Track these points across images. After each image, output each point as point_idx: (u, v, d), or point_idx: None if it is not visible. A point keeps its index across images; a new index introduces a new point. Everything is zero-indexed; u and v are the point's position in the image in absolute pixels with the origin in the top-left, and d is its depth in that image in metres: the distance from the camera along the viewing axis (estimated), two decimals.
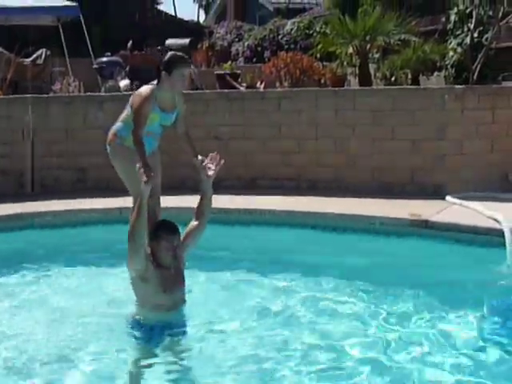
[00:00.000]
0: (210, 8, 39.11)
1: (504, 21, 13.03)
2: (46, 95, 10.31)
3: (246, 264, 6.04)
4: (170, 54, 5.06)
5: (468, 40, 13.52)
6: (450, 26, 15.81)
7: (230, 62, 14.74)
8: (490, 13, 14.09)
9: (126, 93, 10.53)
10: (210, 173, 4.85)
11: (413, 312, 4.95)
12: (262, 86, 11.89)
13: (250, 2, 32.22)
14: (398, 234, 6.85)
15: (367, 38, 11.55)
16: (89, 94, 10.32)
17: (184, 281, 4.83)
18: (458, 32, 15.27)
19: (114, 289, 5.40)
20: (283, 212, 7.50)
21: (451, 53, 14.86)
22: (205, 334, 4.58)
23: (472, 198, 7.60)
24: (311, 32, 20.06)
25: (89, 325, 4.73)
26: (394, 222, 7.00)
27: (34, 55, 14.19)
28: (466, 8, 15.00)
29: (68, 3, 16.97)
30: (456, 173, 8.32)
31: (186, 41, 16.87)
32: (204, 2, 45.26)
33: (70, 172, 9.05)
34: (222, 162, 4.86)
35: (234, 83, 11.98)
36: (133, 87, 12.08)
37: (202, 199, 4.94)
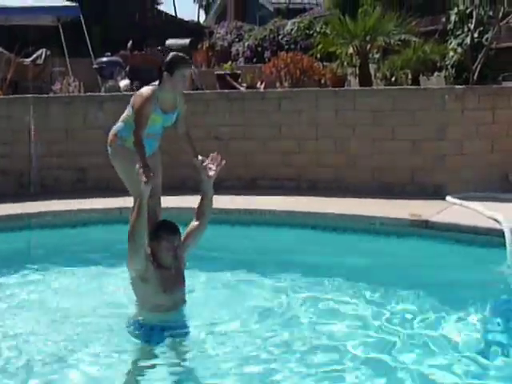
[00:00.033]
0: (211, 8, 39.13)
1: (504, 21, 13.04)
2: (46, 95, 10.31)
3: (247, 264, 6.03)
4: (171, 54, 5.06)
5: (468, 40, 13.52)
6: (450, 26, 15.81)
7: (230, 63, 14.75)
8: (491, 13, 14.08)
9: (126, 93, 10.54)
10: (211, 173, 4.85)
11: (413, 313, 4.94)
12: (263, 86, 11.89)
13: (251, 2, 32.23)
14: (398, 235, 6.85)
15: (367, 38, 11.55)
16: (89, 94, 10.31)
17: (184, 281, 4.82)
18: (459, 32, 15.27)
19: (114, 289, 5.39)
20: (283, 212, 7.50)
21: (451, 53, 14.86)
22: (205, 334, 4.57)
23: (472, 198, 7.60)
24: (311, 32, 20.07)
25: (89, 325, 4.73)
26: (394, 223, 7.00)
27: (34, 55, 14.19)
28: (467, 8, 15.00)
29: (68, 3, 16.98)
30: (456, 173, 8.32)
31: (187, 41, 16.88)
32: (204, 3, 45.29)
33: (70, 172, 9.04)
34: (223, 162, 4.86)
35: (235, 83, 11.98)
36: (133, 87, 12.09)
37: (202, 199, 4.94)
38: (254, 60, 21.09)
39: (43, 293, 5.50)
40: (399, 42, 12.31)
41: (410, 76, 12.64)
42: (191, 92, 9.44)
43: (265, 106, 9.04)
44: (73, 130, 9.11)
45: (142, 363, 4.25)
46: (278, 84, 11.25)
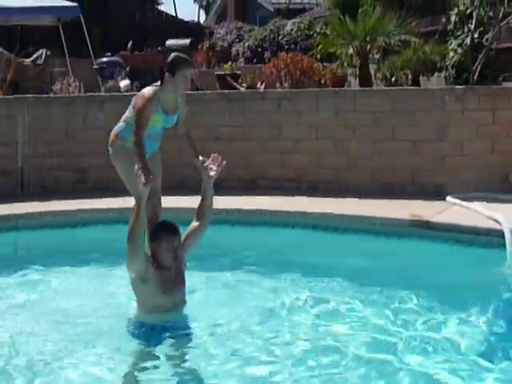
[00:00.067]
0: (211, 8, 39.15)
1: (504, 21, 13.04)
2: (46, 95, 10.31)
3: (247, 265, 6.03)
4: (173, 55, 5.05)
5: (468, 41, 13.53)
6: (450, 26, 15.82)
7: (230, 63, 14.76)
8: (491, 13, 14.10)
9: (126, 93, 10.55)
10: (212, 173, 4.85)
11: (413, 313, 4.93)
12: (263, 86, 11.89)
13: (251, 2, 32.24)
14: (398, 235, 6.85)
15: (367, 38, 11.56)
16: (89, 94, 10.31)
17: (184, 281, 4.82)
18: (459, 33, 15.29)
19: (115, 289, 5.39)
20: (284, 213, 7.50)
21: (451, 53, 14.87)
22: (206, 334, 4.57)
23: (472, 199, 7.60)
24: (311, 33, 20.09)
25: (89, 325, 4.73)
26: (394, 223, 7.00)
27: (35, 55, 14.18)
28: (467, 9, 15.01)
29: (68, 3, 16.98)
30: (456, 173, 8.32)
31: (187, 41, 16.89)
32: (204, 3, 45.30)
33: (70, 172, 9.04)
34: (224, 163, 4.86)
35: (235, 84, 11.98)
36: (133, 87, 12.09)
37: (202, 200, 4.94)
38: (254, 60, 21.10)
39: (43, 293, 5.50)
40: (399, 43, 12.32)
41: (410, 76, 12.65)
42: (191, 92, 9.43)
43: (265, 107, 9.04)
44: (73, 130, 9.11)
45: (142, 363, 4.24)
46: (278, 84, 11.25)
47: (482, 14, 14.12)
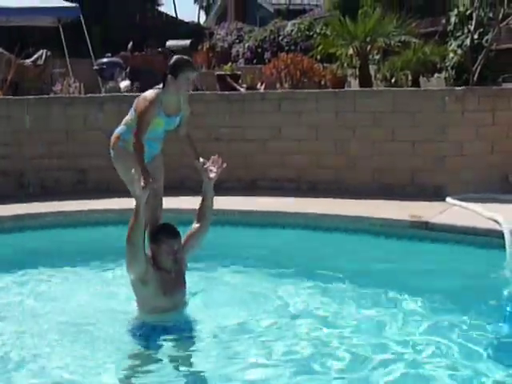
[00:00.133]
0: (211, 9, 39.17)
1: (504, 22, 13.07)
2: (46, 96, 10.32)
3: (248, 266, 6.03)
4: (175, 58, 5.04)
5: (468, 42, 13.55)
6: (450, 27, 15.86)
7: (230, 64, 14.76)
8: (490, 14, 14.13)
9: (126, 94, 10.55)
10: (212, 175, 4.86)
11: (414, 315, 4.91)
12: (263, 87, 11.90)
13: (251, 3, 32.26)
14: (398, 236, 6.85)
15: (367, 39, 11.57)
16: (89, 95, 10.32)
17: (185, 283, 4.83)
18: (459, 34, 15.32)
19: (115, 289, 5.39)
20: (284, 213, 7.50)
21: (451, 54, 14.90)
22: (207, 335, 4.57)
23: (472, 200, 7.60)
24: (311, 33, 20.12)
25: (89, 325, 4.73)
26: (394, 224, 7.00)
27: (35, 56, 14.18)
28: (466, 10, 15.04)
29: (68, 4, 16.99)
30: (456, 174, 8.33)
31: (187, 42, 16.89)
32: (205, 4, 45.29)
33: (71, 173, 9.05)
34: (224, 165, 4.87)
35: (235, 84, 11.98)
36: (133, 88, 12.10)
37: (203, 201, 4.95)
38: (254, 61, 21.13)
39: (43, 293, 5.50)
40: (399, 44, 12.34)
41: (410, 77, 12.67)
42: (191, 93, 9.44)
43: (265, 107, 9.05)
44: (73, 131, 9.11)
45: (142, 364, 4.24)
46: (278, 85, 11.26)
47: (482, 15, 14.14)
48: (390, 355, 4.23)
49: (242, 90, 11.56)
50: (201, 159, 4.98)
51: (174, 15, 35.89)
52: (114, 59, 15.04)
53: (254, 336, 4.57)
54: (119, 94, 11.00)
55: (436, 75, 14.47)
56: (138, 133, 4.87)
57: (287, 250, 6.74)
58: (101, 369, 4.14)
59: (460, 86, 10.07)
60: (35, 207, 7.87)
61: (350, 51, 12.04)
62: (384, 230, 6.96)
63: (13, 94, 11.76)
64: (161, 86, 5.00)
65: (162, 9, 35.35)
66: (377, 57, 14.15)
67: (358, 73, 12.18)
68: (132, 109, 5.08)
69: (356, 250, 6.71)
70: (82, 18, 16.07)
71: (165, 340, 4.45)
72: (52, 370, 4.12)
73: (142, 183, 4.38)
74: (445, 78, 14.91)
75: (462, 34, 15.07)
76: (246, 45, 22.84)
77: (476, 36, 13.99)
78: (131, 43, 16.21)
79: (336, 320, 4.85)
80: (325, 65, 12.78)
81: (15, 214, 7.58)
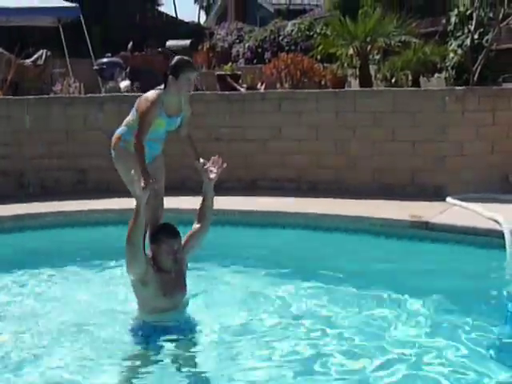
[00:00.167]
0: (211, 9, 39.16)
1: (504, 22, 13.06)
2: (46, 96, 10.32)
3: (249, 266, 6.03)
4: (176, 58, 5.04)
5: (468, 42, 13.54)
6: (450, 27, 15.85)
7: (230, 64, 14.75)
8: (491, 14, 14.12)
9: (126, 94, 10.55)
10: (212, 176, 4.86)
11: (415, 316, 4.90)
12: (263, 87, 11.89)
13: (251, 3, 32.25)
14: (398, 236, 6.85)
15: (368, 39, 11.57)
16: (89, 95, 10.32)
17: (186, 284, 4.82)
18: (459, 34, 15.31)
19: (116, 290, 5.39)
20: (284, 213, 7.50)
21: (451, 54, 14.89)
22: (207, 337, 4.56)
23: (472, 200, 7.60)
24: (312, 33, 20.11)
25: (89, 325, 4.73)
26: (394, 224, 7.00)
27: (35, 56, 14.18)
28: (467, 10, 15.03)
29: (68, 4, 16.98)
30: (456, 174, 8.33)
31: (187, 42, 16.88)
32: (205, 4, 45.29)
33: (71, 173, 9.05)
34: (225, 165, 4.87)
35: (235, 84, 11.98)
36: (133, 88, 12.09)
37: (203, 201, 4.95)
38: (255, 61, 21.11)
39: (43, 294, 5.50)
40: (399, 44, 12.33)
41: (410, 77, 12.66)
42: (192, 93, 9.43)
43: (265, 107, 9.05)
44: (73, 131, 9.11)
45: (143, 364, 4.24)
46: (278, 85, 11.25)
47: (482, 15, 14.14)
48: (391, 356, 4.22)
49: (242, 90, 11.56)
50: (201, 160, 4.98)
51: (174, 15, 35.90)
52: (114, 59, 15.03)
53: (254, 336, 4.56)
54: (119, 94, 11.00)
55: (436, 75, 14.46)
56: (139, 133, 4.87)
57: (287, 250, 6.74)
58: (101, 369, 4.14)
59: (460, 86, 10.07)
60: (35, 207, 7.87)
61: (350, 51, 12.03)
62: (384, 230, 6.96)
63: (13, 94, 11.76)
64: (162, 86, 5.00)
65: (162, 9, 35.35)
66: (377, 57, 14.14)
67: (358, 73, 12.18)
68: (133, 109, 5.08)
69: (356, 250, 6.71)
70: (82, 18, 16.07)
71: (165, 340, 4.45)
72: (52, 370, 4.12)
73: (143, 184, 4.37)
74: (445, 78, 14.90)
75: (463, 33, 15.06)
76: (246, 45, 22.84)
77: (476, 36, 13.98)
78: (131, 43, 16.20)
79: (337, 320, 4.84)
80: (325, 65, 12.77)
81: (15, 214, 7.58)
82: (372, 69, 12.66)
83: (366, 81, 11.53)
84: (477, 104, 8.43)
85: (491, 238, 6.42)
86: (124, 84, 12.52)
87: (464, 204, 7.52)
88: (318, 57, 12.69)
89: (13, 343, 4.50)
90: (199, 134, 7.46)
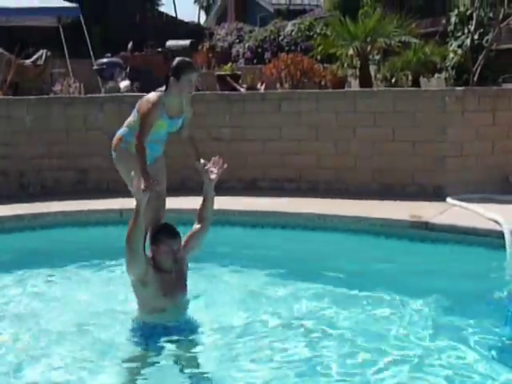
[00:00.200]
0: (211, 9, 39.14)
1: (504, 23, 13.08)
2: (46, 96, 10.31)
3: (249, 266, 6.02)
4: (177, 60, 5.03)
5: (468, 42, 13.56)
6: (450, 27, 15.86)
7: (230, 64, 14.77)
8: (491, 15, 14.13)
9: (126, 94, 10.55)
10: (213, 176, 4.87)
11: (416, 316, 4.90)
12: (263, 87, 11.91)
13: (251, 3, 32.24)
14: (398, 236, 6.84)
15: (368, 39, 11.59)
16: (89, 95, 10.31)
17: (186, 284, 4.83)
18: (459, 34, 15.32)
19: (115, 290, 5.39)
20: (283, 213, 7.49)
21: (452, 55, 14.90)
22: (207, 337, 4.56)
23: (472, 200, 7.60)
24: (312, 33, 20.12)
25: (89, 326, 4.73)
26: (394, 224, 7.00)
27: (35, 56, 14.19)
28: (467, 10, 15.04)
29: (68, 4, 16.99)
30: (456, 174, 8.32)
31: (187, 42, 16.87)
32: (205, 4, 45.28)
33: (71, 173, 9.04)
34: (225, 165, 4.87)
35: (235, 84, 11.99)
36: (133, 88, 12.10)
37: (204, 201, 4.96)
38: (255, 61, 21.13)
39: (43, 294, 5.50)
40: (399, 44, 12.34)
41: (410, 77, 12.68)
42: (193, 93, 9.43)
43: (265, 108, 9.04)
44: (73, 131, 9.10)
45: (143, 364, 4.24)
46: (278, 85, 11.27)
47: (482, 15, 14.15)
48: (392, 357, 4.21)
49: (242, 90, 11.57)
50: (201, 160, 4.98)
51: (174, 15, 35.84)
52: (114, 59, 15.04)
53: (255, 337, 4.56)
54: (119, 94, 11.00)
55: (436, 75, 14.48)
56: (140, 135, 4.85)
57: (287, 251, 6.73)
58: (101, 369, 4.14)
59: (460, 87, 10.08)
60: (35, 207, 7.87)
61: (351, 51, 12.05)
62: (384, 230, 6.95)
63: (13, 94, 11.78)
64: (163, 88, 4.98)
65: (161, 9, 35.36)
66: (377, 57, 14.16)
67: (358, 73, 12.20)
68: (135, 110, 5.06)
69: (356, 250, 6.71)
70: (81, 18, 16.08)
71: (165, 340, 4.44)
72: (52, 370, 4.13)
73: (143, 186, 4.38)
74: (445, 79, 14.92)
75: (463, 34, 15.07)
76: (246, 45, 22.85)
77: (476, 36, 14.00)
78: (131, 43, 16.21)
79: (337, 321, 4.84)
80: (325, 65, 12.79)
81: (15, 214, 7.57)
82: (372, 69, 12.68)
83: (366, 81, 11.55)
84: (477, 104, 8.43)
85: (491, 239, 6.41)
86: (124, 84, 12.54)
87: (464, 204, 7.52)
88: (318, 57, 12.71)
89: (12, 343, 4.50)
90: (199, 134, 7.44)
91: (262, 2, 30.96)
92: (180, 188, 7.84)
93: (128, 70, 14.01)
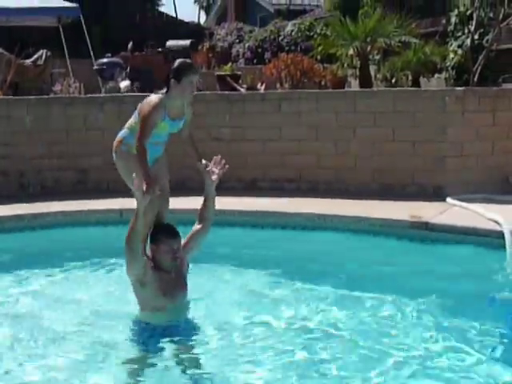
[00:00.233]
0: (211, 9, 39.15)
1: (504, 23, 13.08)
2: (46, 96, 10.31)
3: (249, 267, 6.02)
4: (178, 62, 5.01)
5: (468, 42, 13.56)
6: (450, 27, 15.86)
7: (230, 64, 14.78)
8: (491, 15, 14.13)
9: (126, 94, 10.55)
10: (214, 177, 4.87)
11: (416, 316, 4.88)
12: (263, 87, 11.91)
13: (251, 3, 32.24)
14: (398, 236, 6.84)
15: (368, 39, 11.59)
16: (89, 95, 10.31)
17: (186, 284, 4.83)
18: (459, 34, 15.32)
19: (114, 290, 5.39)
20: (283, 213, 7.49)
21: (452, 55, 14.90)
22: (207, 337, 4.55)
23: (472, 200, 7.60)
24: (312, 34, 20.13)
25: (89, 326, 4.73)
26: (394, 224, 6.99)
27: (35, 56, 14.19)
28: (467, 10, 15.04)
29: (68, 4, 16.99)
30: (456, 174, 8.32)
31: (187, 42, 16.86)
32: (205, 4, 45.29)
33: (71, 173, 9.04)
34: (227, 166, 4.87)
35: (235, 84, 11.99)
36: (133, 88, 12.10)
37: (205, 201, 4.96)
38: (255, 61, 21.14)
39: (42, 294, 5.49)
40: (399, 44, 12.34)
41: (410, 77, 12.68)
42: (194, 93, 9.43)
43: (265, 108, 9.04)
44: (73, 131, 9.10)
45: (143, 365, 4.23)
46: (278, 85, 11.26)
47: (482, 15, 14.16)
48: (392, 358, 4.20)
49: (242, 90, 11.56)
50: (203, 161, 4.97)
51: (174, 15, 35.86)
52: (114, 59, 15.03)
53: (255, 337, 4.56)
54: (119, 94, 11.00)
55: (436, 75, 14.48)
56: (141, 137, 4.82)
57: (287, 251, 6.73)
58: (101, 369, 4.14)
59: (460, 87, 10.08)
60: (35, 207, 7.87)
61: (351, 51, 12.05)
62: (384, 231, 6.95)
63: (13, 94, 11.78)
64: (164, 90, 4.97)
65: (162, 9, 35.35)
66: (377, 57, 14.16)
67: (358, 73, 12.20)
68: (135, 112, 5.03)
69: (356, 250, 6.70)
70: (82, 18, 16.07)
71: (165, 341, 4.44)
72: (52, 371, 4.12)
73: (145, 187, 4.37)
74: (445, 79, 14.92)
75: (463, 34, 15.07)
76: (246, 45, 22.85)
77: (476, 36, 14.00)
78: (131, 43, 16.21)
79: (337, 321, 4.83)
80: (325, 65, 12.79)
81: (15, 214, 7.57)
82: (372, 69, 12.68)
83: (366, 81, 11.55)
84: (477, 104, 8.43)
85: (491, 239, 6.42)
86: (124, 84, 12.53)
87: (464, 204, 7.52)
88: (318, 57, 12.71)
89: (12, 343, 4.49)
90: (199, 134, 7.44)
91: (262, 2, 30.96)
92: (180, 188, 7.81)
93: (128, 70, 14.00)
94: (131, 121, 5.06)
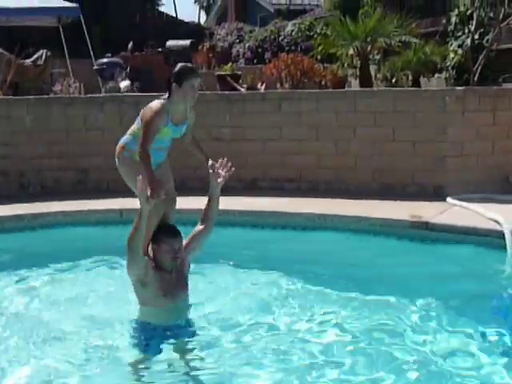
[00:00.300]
0: (211, 9, 39.15)
1: (505, 22, 13.08)
2: (46, 96, 10.31)
3: (249, 267, 6.01)
4: (179, 65, 4.98)
5: (469, 42, 13.56)
6: (450, 27, 15.86)
7: (230, 64, 14.77)
8: (491, 14, 14.13)
9: (126, 94, 10.55)
10: (220, 180, 4.88)
11: (416, 317, 4.88)
12: (263, 87, 11.91)
13: (251, 3, 32.24)
14: (398, 236, 6.84)
15: (368, 39, 11.58)
16: (89, 95, 10.31)
17: (187, 284, 4.83)
18: (459, 34, 15.32)
19: (115, 290, 5.38)
20: (283, 213, 7.49)
21: (452, 54, 14.90)
22: (208, 337, 4.55)
23: (473, 200, 7.60)
24: (312, 33, 20.12)
25: (89, 326, 4.72)
26: (394, 224, 6.99)
27: (35, 56, 14.19)
28: (467, 10, 15.04)
29: (68, 4, 16.99)
30: (457, 174, 8.32)
31: (187, 42, 16.86)
32: (205, 4, 45.29)
33: (71, 173, 9.04)
34: (233, 169, 4.87)
35: (235, 84, 11.98)
36: (133, 88, 12.10)
37: (209, 201, 4.96)
38: (255, 61, 21.13)
39: (42, 294, 5.49)
40: (400, 44, 12.34)
41: (410, 77, 12.68)
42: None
43: (265, 108, 9.04)
44: (73, 131, 9.10)
45: (143, 365, 4.23)
46: (278, 85, 11.26)
47: (483, 15, 14.16)
48: (394, 358, 4.20)
49: (242, 90, 11.56)
50: (210, 161, 4.96)
51: (174, 15, 35.85)
52: (114, 59, 15.03)
53: (255, 337, 4.55)
54: (119, 94, 11.00)
55: (436, 75, 14.47)
56: (144, 143, 4.79)
57: (287, 251, 6.73)
58: (101, 370, 4.13)
59: (460, 86, 10.07)
60: (35, 207, 7.87)
61: (351, 51, 12.04)
62: (384, 230, 6.95)
63: (13, 94, 11.77)
64: (166, 95, 4.94)
65: (162, 9, 35.34)
66: (377, 57, 14.16)
67: (358, 73, 12.19)
68: (138, 118, 5.01)
69: (356, 250, 6.70)
70: (82, 17, 16.07)
71: (166, 341, 4.44)
72: (52, 371, 4.11)
73: (149, 192, 4.38)
74: (445, 78, 14.91)
75: (463, 34, 15.07)
76: (247, 45, 22.85)
77: (476, 36, 14.00)
78: (131, 43, 16.20)
79: (337, 321, 4.82)
80: (325, 65, 12.79)
81: (15, 214, 7.57)
82: (372, 69, 12.67)
83: (366, 81, 11.54)
84: (477, 104, 8.43)
85: (491, 239, 6.42)
86: (124, 84, 12.53)
87: (464, 204, 7.52)
88: (319, 57, 12.70)
89: (12, 343, 4.49)
90: (199, 134, 7.40)
91: (262, 1, 30.96)
92: (180, 188, 7.77)
93: (128, 70, 14.00)
94: (134, 127, 5.03)
